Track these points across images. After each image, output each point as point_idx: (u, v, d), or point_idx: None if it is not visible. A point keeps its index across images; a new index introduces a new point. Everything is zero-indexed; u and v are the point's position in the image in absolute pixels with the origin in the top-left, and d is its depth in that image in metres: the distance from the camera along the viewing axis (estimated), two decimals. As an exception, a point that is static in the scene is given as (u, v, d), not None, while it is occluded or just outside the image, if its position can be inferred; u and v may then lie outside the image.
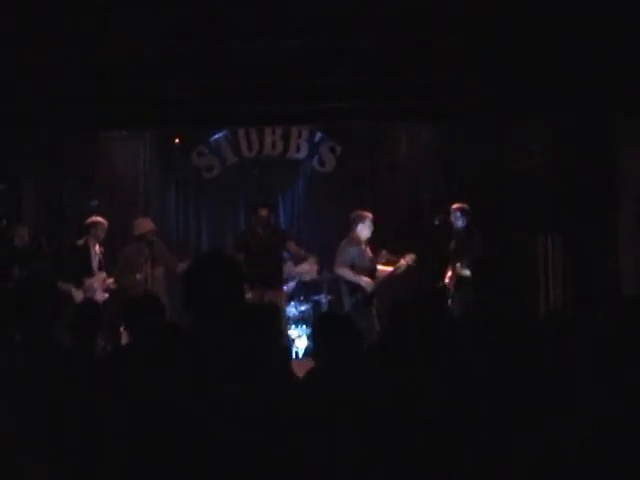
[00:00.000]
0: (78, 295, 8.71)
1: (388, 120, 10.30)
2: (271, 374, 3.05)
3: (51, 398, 3.26)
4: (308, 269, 10.22)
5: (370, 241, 9.08)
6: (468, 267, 8.71)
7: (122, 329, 6.72)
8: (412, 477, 3.57)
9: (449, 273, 8.92)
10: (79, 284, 8.92)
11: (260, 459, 2.79)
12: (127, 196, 11.15)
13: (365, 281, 8.76)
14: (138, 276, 9.17)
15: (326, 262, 9.78)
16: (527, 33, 6.92)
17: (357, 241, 8.91)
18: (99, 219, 9.42)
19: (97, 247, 9.34)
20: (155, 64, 7.47)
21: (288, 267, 9.97)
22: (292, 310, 10.19)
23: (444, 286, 8.90)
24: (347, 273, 8.82)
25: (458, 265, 8.83)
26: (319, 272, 10.27)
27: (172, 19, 6.55)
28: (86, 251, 9.27)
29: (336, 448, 3.51)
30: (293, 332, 10.05)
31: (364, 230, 8.90)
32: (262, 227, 9.41)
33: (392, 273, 8.95)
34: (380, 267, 9.00)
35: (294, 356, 9.74)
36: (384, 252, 9.21)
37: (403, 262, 8.88)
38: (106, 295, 9.15)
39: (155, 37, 6.74)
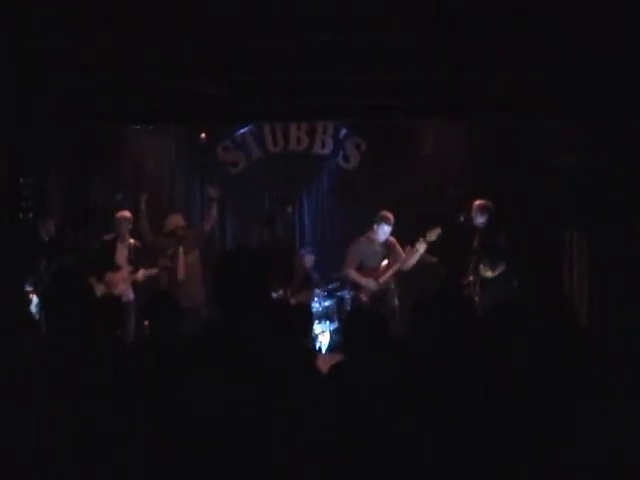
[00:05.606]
0: (99, 288, 8.74)
1: (414, 117, 10.24)
2: (294, 372, 3.05)
3: (77, 391, 3.27)
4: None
5: (397, 238, 9.11)
6: (491, 268, 8.70)
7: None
8: (434, 472, 3.57)
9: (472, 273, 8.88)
10: (99, 278, 8.97)
11: (280, 455, 2.80)
12: (152, 190, 11.19)
13: (366, 281, 8.95)
14: (168, 265, 9.28)
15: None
16: (554, 33, 6.87)
17: (371, 241, 9.01)
18: (122, 214, 9.48)
19: (129, 241, 9.40)
20: (182, 59, 7.48)
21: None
22: (316, 306, 10.20)
23: (467, 284, 8.86)
24: (351, 274, 9.07)
25: (481, 267, 8.78)
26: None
27: (200, 14, 6.56)
28: (111, 246, 9.33)
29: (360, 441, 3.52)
30: (317, 328, 10.06)
31: (380, 232, 8.99)
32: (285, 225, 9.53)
33: (406, 258, 9.00)
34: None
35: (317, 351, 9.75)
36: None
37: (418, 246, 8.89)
38: (128, 288, 9.21)
39: (183, 32, 6.76)
